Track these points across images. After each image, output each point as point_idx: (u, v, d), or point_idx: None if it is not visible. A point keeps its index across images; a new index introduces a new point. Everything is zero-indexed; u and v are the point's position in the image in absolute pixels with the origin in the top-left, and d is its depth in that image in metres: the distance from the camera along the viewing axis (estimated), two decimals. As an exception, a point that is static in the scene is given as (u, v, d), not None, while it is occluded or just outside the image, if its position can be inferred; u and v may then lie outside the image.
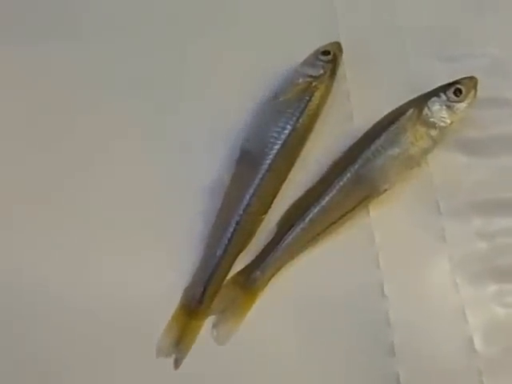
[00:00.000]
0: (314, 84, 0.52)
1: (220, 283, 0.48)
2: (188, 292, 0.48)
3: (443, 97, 0.51)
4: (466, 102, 0.51)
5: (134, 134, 0.54)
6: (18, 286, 0.49)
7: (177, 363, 0.46)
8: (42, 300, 0.48)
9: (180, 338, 0.47)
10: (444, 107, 0.51)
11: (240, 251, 0.48)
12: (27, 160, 0.53)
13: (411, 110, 0.51)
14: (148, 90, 0.56)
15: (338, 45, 0.54)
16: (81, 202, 0.52)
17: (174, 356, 0.46)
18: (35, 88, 0.55)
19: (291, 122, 0.50)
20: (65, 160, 0.53)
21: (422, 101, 0.52)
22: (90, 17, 0.58)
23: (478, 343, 0.48)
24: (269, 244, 0.49)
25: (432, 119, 0.51)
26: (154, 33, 0.58)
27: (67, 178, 0.53)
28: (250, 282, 0.48)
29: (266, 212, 0.49)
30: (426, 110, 0.51)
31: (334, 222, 0.50)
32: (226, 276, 0.48)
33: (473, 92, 0.52)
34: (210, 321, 0.48)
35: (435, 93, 0.52)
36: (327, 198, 0.49)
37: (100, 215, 0.51)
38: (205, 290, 0.47)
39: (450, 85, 0.52)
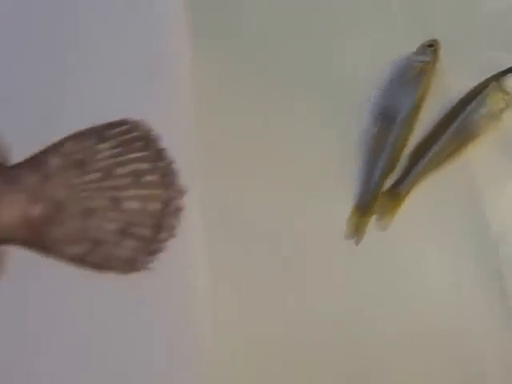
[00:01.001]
0: (425, 67, 0.65)
1: (378, 195, 0.64)
2: (359, 200, 0.64)
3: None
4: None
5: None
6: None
7: (357, 242, 0.63)
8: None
9: (357, 228, 0.63)
10: (515, 79, 0.66)
11: (389, 174, 0.64)
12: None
13: (493, 83, 0.65)
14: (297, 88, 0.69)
15: (436, 41, 0.67)
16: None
17: (355, 238, 0.63)
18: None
19: (413, 93, 0.65)
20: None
21: (499, 76, 0.65)
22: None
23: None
24: (405, 169, 0.65)
25: (507, 88, 0.64)
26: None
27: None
28: (396, 193, 0.64)
29: (402, 151, 0.65)
30: (502, 81, 0.65)
31: (444, 159, 0.64)
32: (381, 189, 0.64)
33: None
34: (374, 218, 0.63)
35: (509, 70, 0.66)
36: (440, 143, 0.65)
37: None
38: (371, 199, 0.64)
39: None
